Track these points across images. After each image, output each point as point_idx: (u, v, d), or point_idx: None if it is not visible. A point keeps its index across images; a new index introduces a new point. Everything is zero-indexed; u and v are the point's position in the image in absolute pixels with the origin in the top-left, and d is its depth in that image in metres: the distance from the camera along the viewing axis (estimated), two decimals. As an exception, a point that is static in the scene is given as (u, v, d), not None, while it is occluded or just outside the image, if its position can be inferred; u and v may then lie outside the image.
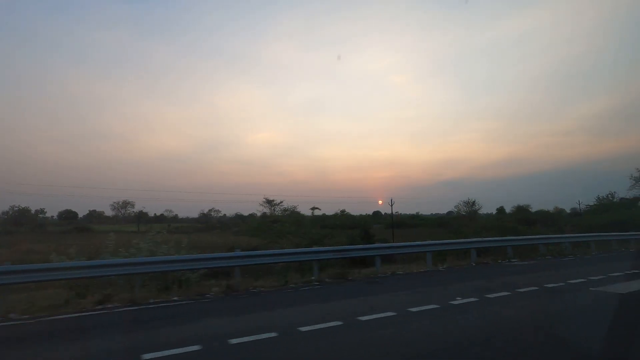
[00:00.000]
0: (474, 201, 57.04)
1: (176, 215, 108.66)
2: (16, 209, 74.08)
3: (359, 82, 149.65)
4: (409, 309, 5.28)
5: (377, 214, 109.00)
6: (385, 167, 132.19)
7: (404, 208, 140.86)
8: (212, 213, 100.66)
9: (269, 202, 70.65)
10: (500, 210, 57.29)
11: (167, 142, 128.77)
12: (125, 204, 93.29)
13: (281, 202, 70.28)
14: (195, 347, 3.81)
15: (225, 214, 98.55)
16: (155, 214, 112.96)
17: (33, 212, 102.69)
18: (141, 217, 72.83)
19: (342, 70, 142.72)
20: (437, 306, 5.49)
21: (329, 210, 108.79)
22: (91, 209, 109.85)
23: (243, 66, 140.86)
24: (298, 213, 69.32)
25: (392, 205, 43.94)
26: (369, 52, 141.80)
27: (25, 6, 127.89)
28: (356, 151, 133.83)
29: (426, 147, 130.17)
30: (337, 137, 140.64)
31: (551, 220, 33.53)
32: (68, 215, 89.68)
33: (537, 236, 14.35)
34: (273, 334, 4.21)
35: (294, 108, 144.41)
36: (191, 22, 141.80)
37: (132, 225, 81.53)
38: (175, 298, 6.92)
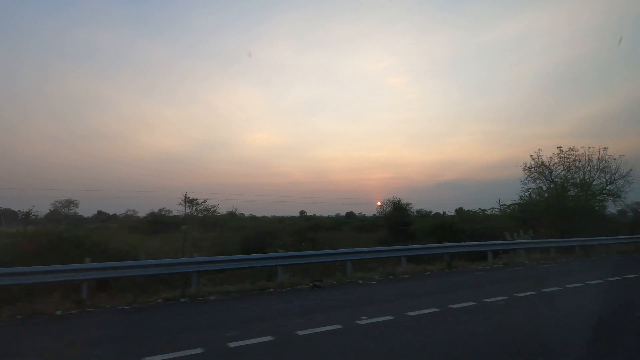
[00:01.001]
0: (399, 200, 50.31)
1: (130, 214, 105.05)
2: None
3: (357, 84, 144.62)
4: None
5: (350, 215, 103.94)
6: (383, 168, 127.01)
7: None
8: (163, 212, 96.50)
9: (191, 202, 65.29)
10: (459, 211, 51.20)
11: (165, 142, 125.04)
12: (69, 202, 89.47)
13: (204, 201, 64.90)
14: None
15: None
16: (110, 212, 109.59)
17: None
18: (6, 215, 66.43)
19: (341, 71, 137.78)
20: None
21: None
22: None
23: (241, 67, 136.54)
24: (216, 214, 63.38)
25: (185, 204, 37.40)
26: (367, 54, 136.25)
27: (25, 6, 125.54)
28: (354, 152, 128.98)
29: (424, 148, 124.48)
30: (336, 138, 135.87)
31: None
32: (6, 215, 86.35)
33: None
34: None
35: (292, 109, 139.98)
36: (190, 23, 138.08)
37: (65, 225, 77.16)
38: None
